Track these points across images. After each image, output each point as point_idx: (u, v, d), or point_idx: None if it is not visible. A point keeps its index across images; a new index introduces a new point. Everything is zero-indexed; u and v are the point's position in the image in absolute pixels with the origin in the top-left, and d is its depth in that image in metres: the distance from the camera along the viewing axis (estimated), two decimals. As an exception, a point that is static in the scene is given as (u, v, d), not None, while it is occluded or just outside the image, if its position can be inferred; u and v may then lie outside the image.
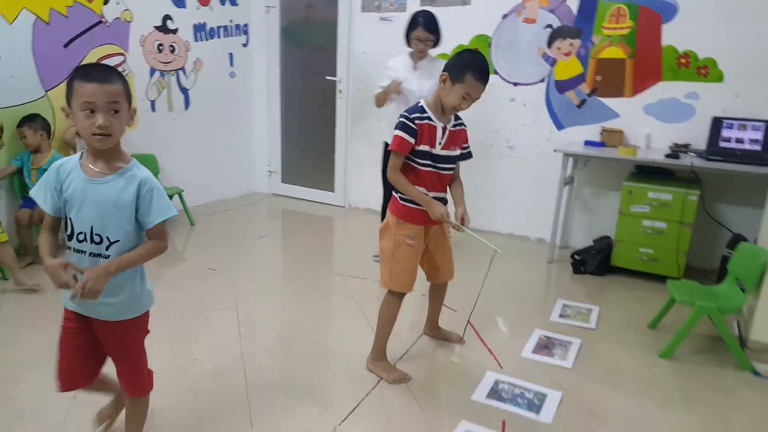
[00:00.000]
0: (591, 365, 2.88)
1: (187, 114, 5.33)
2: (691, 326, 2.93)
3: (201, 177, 5.51)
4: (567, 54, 4.52)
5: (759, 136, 3.85)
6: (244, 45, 5.80)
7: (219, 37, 5.50)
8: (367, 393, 2.46)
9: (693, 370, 2.88)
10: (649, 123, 4.30)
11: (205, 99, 5.47)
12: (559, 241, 4.59)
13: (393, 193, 2.60)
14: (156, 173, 4.94)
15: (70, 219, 1.71)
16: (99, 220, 1.70)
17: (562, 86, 4.59)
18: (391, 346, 2.74)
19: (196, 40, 5.28)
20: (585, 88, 4.50)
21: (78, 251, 1.73)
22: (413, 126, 2.39)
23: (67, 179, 1.70)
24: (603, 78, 4.42)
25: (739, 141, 3.91)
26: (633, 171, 4.29)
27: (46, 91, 4.13)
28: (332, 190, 5.89)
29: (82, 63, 3.54)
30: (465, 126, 2.61)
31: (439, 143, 2.46)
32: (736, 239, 3.76)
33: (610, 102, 4.43)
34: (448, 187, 2.63)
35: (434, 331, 3.06)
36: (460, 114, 2.57)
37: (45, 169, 2.64)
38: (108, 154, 1.71)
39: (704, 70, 4.07)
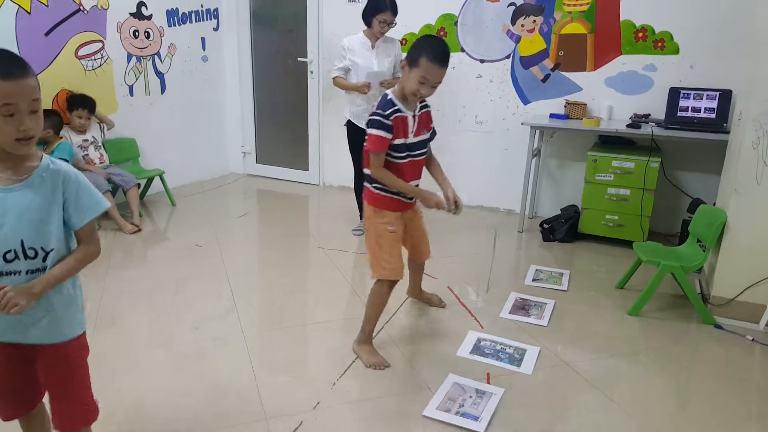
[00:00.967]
0: (565, 323, 3.08)
1: (163, 98, 5.34)
2: (657, 284, 3.14)
3: (178, 159, 5.54)
4: (530, 31, 4.67)
5: (714, 104, 4.08)
6: (215, 29, 5.80)
7: (191, 21, 5.50)
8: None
9: (659, 325, 3.10)
10: (611, 95, 4.50)
11: (179, 83, 5.49)
12: (528, 211, 4.79)
13: (365, 184, 2.59)
14: (136, 156, 4.98)
15: None
16: (29, 232, 1.43)
17: (527, 62, 4.75)
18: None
19: (170, 26, 5.28)
20: (548, 63, 4.67)
21: (9, 273, 1.44)
22: (389, 123, 2.36)
23: None
24: (565, 53, 4.59)
25: (696, 110, 4.13)
26: (597, 141, 4.50)
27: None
28: (306, 169, 5.97)
29: None
30: (429, 107, 2.60)
31: (412, 132, 2.47)
32: (696, 203, 4.00)
33: (572, 76, 4.62)
34: (426, 169, 2.68)
35: (417, 294, 3.20)
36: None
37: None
38: (18, 155, 1.44)
39: (661, 43, 4.28)
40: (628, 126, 4.12)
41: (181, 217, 4.82)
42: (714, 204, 3.58)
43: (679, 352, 2.84)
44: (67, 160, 3.95)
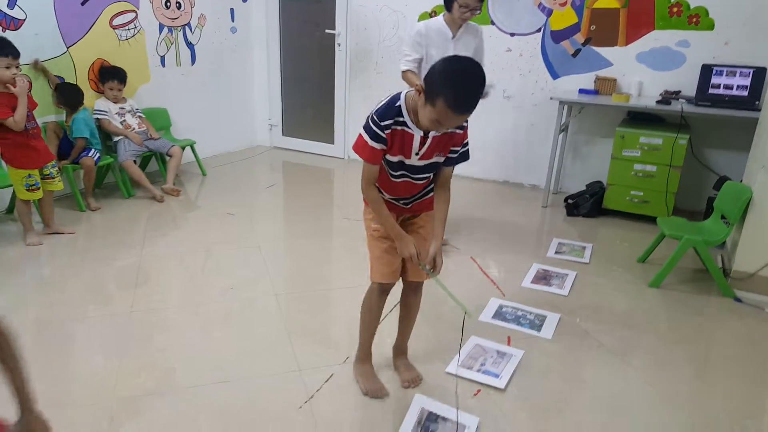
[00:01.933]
0: (586, 293, 3.13)
1: (193, 69, 5.44)
2: (679, 257, 3.17)
3: (207, 130, 5.66)
4: (562, 4, 4.64)
5: (746, 82, 4.03)
6: (244, 0, 5.85)
7: (220, -8, 5.57)
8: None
9: (679, 297, 3.14)
10: (642, 71, 4.47)
11: (209, 54, 5.57)
12: (553, 187, 4.81)
13: None
14: (168, 126, 5.10)
15: None
16: None
17: (558, 36, 4.73)
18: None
19: (200, -4, 5.37)
20: (580, 37, 4.64)
21: None
22: (382, 134, 1.85)
23: None
24: (597, 27, 4.56)
25: (728, 87, 4.09)
26: (625, 118, 4.48)
27: (68, 47, 4.31)
28: (332, 142, 6.04)
29: None
30: (465, 126, 1.96)
31: (416, 153, 1.91)
32: (722, 181, 3.98)
33: (603, 51, 4.59)
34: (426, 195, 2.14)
35: (395, 352, 2.41)
36: None
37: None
38: None
39: (695, 19, 4.23)
40: (657, 102, 4.11)
41: (211, 186, 4.95)
42: (741, 181, 3.58)
43: (698, 324, 2.88)
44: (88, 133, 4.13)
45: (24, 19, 3.95)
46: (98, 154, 4.23)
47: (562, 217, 4.42)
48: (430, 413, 2.07)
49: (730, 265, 3.26)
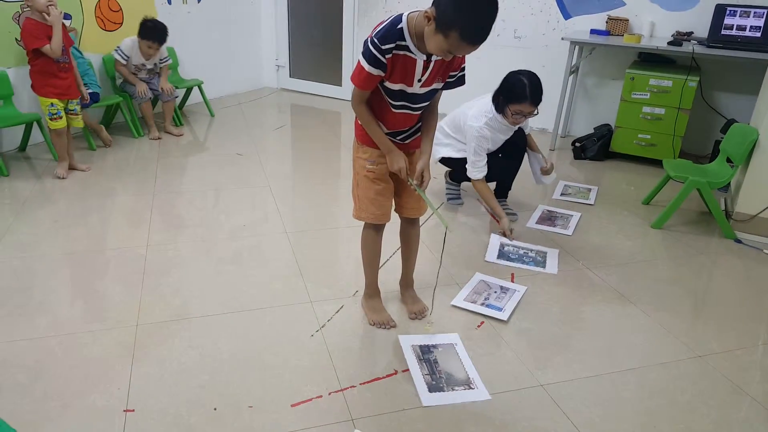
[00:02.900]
0: (589, 233, 3.21)
1: (200, 7, 5.38)
2: (682, 198, 3.22)
3: (215, 71, 5.64)
4: (577, -59, 4.52)
5: (760, 23, 3.97)
6: (251, -65, 5.72)
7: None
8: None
9: (680, 237, 3.21)
10: (655, 11, 4.40)
11: (215, -9, 5.48)
12: (561, 130, 4.81)
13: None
14: (175, 66, 5.08)
15: None
16: None
17: (571, -26, 4.62)
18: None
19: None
20: (593, -24, 4.54)
21: None
22: (382, 59, 1.78)
23: None
24: (611, -34, 4.46)
25: (741, 28, 4.03)
26: (636, 59, 4.44)
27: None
28: (340, 85, 6.01)
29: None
30: None
31: (419, 80, 1.87)
32: (730, 124, 3.98)
33: (617, -10, 4.49)
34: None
35: (403, 285, 2.48)
36: None
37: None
38: None
39: (712, -44, 4.12)
40: (669, 43, 4.06)
41: (219, 127, 4.98)
42: (749, 123, 3.58)
43: (698, 262, 2.96)
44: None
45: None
46: (89, 91, 4.04)
47: (569, 160, 4.45)
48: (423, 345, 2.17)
49: (732, 208, 3.31)
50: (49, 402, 1.82)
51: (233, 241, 2.97)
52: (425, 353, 2.12)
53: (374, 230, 2.22)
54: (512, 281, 2.64)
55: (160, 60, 4.58)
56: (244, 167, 4.03)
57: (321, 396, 1.89)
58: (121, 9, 4.63)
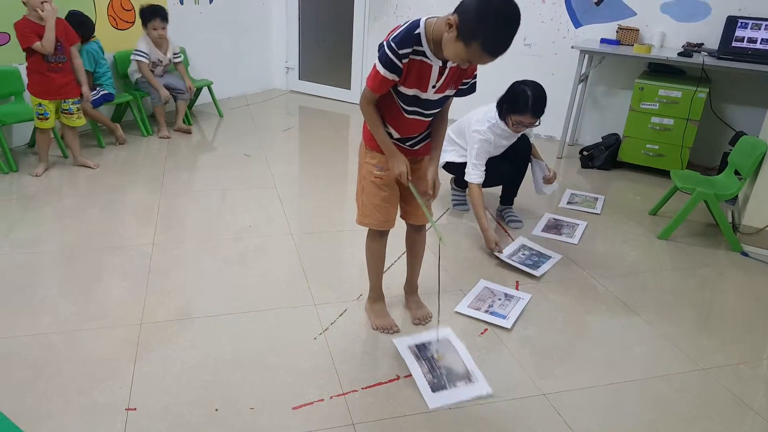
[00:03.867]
0: (595, 242, 3.20)
1: (211, 8, 5.41)
2: (690, 210, 3.20)
3: (224, 71, 5.66)
4: (589, -50, 4.51)
5: (771, 35, 3.95)
6: (263, -63, 5.75)
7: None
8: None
9: (687, 249, 3.19)
10: (665, 22, 4.39)
11: (227, -7, 5.52)
12: (569, 138, 4.80)
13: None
14: (186, 65, 5.10)
15: None
16: None
17: (582, -17, 4.62)
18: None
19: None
20: (604, -15, 4.53)
21: None
22: (399, 64, 1.79)
23: None
24: (623, -25, 4.45)
25: (752, 41, 4.01)
26: (645, 69, 4.43)
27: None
28: (348, 88, 6.03)
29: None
30: None
31: (433, 86, 1.87)
32: (739, 136, 3.96)
33: (628, 0, 4.48)
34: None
35: (407, 291, 2.48)
36: None
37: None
38: None
39: (724, -32, 4.11)
40: (679, 54, 4.05)
41: (228, 127, 5.00)
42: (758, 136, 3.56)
43: (704, 274, 2.94)
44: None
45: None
46: (102, 92, 4.15)
47: (576, 169, 4.44)
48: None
49: (739, 221, 3.29)
50: (50, 399, 1.83)
51: (239, 241, 2.98)
52: (422, 351, 2.13)
53: (378, 236, 2.23)
54: (516, 289, 2.64)
55: (174, 54, 4.61)
56: (252, 168, 4.04)
57: (323, 399, 1.90)
58: (133, 8, 4.66)
